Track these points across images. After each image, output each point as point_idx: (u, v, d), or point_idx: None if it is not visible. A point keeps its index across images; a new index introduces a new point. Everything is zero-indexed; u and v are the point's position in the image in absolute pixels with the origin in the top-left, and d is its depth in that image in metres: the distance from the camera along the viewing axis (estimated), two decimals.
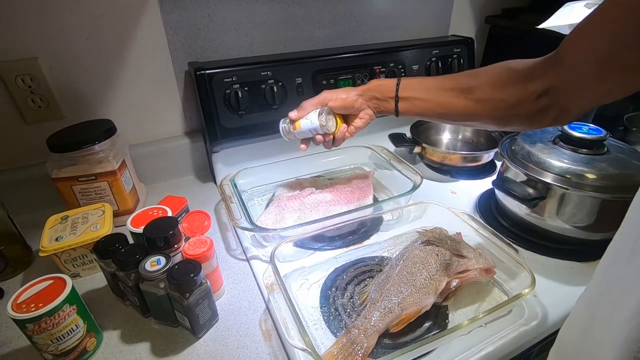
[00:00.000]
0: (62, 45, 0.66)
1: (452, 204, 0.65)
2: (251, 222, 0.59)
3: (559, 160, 0.58)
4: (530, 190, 0.59)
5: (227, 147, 0.78)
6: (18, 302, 0.41)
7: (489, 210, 0.71)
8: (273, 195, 0.74)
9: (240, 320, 0.51)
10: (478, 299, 0.53)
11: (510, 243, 0.55)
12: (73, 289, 0.43)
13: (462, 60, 0.93)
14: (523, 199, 0.58)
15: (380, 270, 0.56)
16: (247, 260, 0.61)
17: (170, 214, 0.57)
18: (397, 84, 0.57)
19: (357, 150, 0.84)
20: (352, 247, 0.63)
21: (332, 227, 0.59)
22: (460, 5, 1.01)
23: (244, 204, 0.63)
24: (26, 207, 0.69)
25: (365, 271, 0.57)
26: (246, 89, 0.72)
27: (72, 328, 0.43)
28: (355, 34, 0.90)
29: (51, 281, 0.44)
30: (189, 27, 0.73)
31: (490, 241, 0.57)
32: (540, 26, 0.77)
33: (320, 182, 0.76)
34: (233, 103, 0.71)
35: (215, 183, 0.81)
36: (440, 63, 0.91)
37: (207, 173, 0.86)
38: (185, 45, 0.74)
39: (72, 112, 0.71)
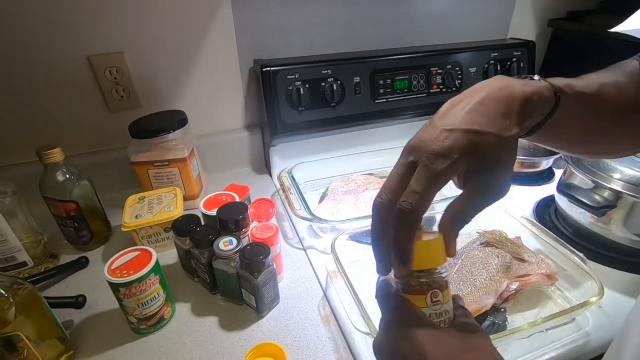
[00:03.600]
0: (144, 41, 0.72)
1: (507, 209, 0.64)
2: (310, 212, 0.62)
3: (630, 168, 0.56)
4: (599, 198, 0.57)
5: (284, 141, 0.81)
6: (112, 268, 0.46)
7: (548, 218, 0.69)
8: (326, 189, 0.76)
9: (300, 304, 0.54)
10: (538, 304, 0.52)
11: (576, 251, 0.53)
12: (157, 261, 0.48)
13: (522, 63, 0.91)
14: (591, 207, 0.56)
15: None
16: (304, 249, 0.64)
17: (237, 199, 0.61)
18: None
19: None
20: None
21: None
22: (521, 7, 0.98)
23: (302, 196, 0.66)
24: (104, 187, 0.76)
25: None
26: (307, 86, 0.75)
27: (154, 296, 0.48)
28: (412, 35, 0.91)
29: (138, 252, 0.49)
30: (257, 26, 0.77)
31: (553, 247, 0.56)
32: (614, 29, 0.73)
33: (373, 179, 0.77)
34: (294, 99, 0.74)
35: (270, 175, 0.85)
36: (499, 66, 0.89)
37: (262, 165, 0.90)
38: (252, 43, 0.78)
39: (148, 102, 0.77)
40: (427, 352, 0.26)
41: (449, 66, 0.87)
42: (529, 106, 0.30)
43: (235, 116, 0.86)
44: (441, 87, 0.87)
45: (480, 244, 0.55)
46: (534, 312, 0.51)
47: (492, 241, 0.55)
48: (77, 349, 0.48)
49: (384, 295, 0.31)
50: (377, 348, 0.31)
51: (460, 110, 0.29)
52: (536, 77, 0.33)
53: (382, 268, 0.30)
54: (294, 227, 0.68)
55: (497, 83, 0.30)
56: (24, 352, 0.39)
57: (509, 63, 0.91)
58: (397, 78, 0.83)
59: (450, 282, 0.50)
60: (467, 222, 0.29)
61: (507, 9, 0.98)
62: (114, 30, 0.69)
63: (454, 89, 0.88)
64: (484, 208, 0.29)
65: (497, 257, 0.52)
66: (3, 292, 0.38)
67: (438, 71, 0.86)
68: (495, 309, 0.50)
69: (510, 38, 1.00)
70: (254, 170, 0.89)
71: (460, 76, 0.88)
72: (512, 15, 0.99)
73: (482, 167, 0.28)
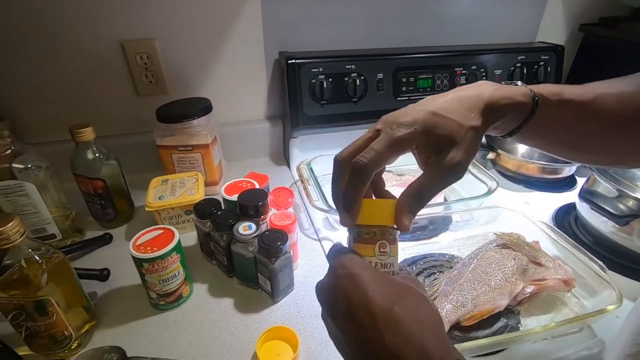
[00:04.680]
0: (174, 29, 0.74)
1: (526, 214, 0.63)
2: (327, 204, 0.63)
3: None
4: (622, 207, 0.56)
5: (304, 133, 0.82)
6: (137, 244, 0.48)
7: (567, 225, 0.68)
8: None
9: (313, 293, 0.54)
10: (553, 310, 0.52)
11: (596, 259, 0.53)
12: (179, 241, 0.50)
13: (549, 68, 0.89)
14: (614, 215, 0.55)
15: (451, 267, 0.57)
16: (319, 240, 0.64)
17: (257, 187, 0.62)
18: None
19: None
20: (420, 242, 0.64)
21: None
22: (552, 11, 0.96)
23: (320, 187, 0.67)
24: (129, 168, 0.78)
25: (434, 265, 0.58)
26: (330, 80, 0.76)
27: (175, 274, 0.50)
28: (438, 34, 0.90)
29: (161, 231, 0.51)
30: (285, 19, 0.78)
31: (572, 254, 0.55)
32: None
33: (391, 176, 0.77)
34: (317, 92, 0.75)
35: (289, 167, 0.86)
36: (525, 69, 0.88)
37: (280, 157, 0.91)
38: (278, 35, 0.79)
39: (174, 88, 0.79)
40: (369, 291, 0.27)
41: (473, 67, 0.86)
42: (495, 107, 0.33)
43: (258, 107, 0.87)
44: None
45: (497, 246, 0.55)
46: (549, 317, 0.51)
47: (510, 243, 0.54)
48: (100, 320, 0.50)
49: (334, 250, 0.33)
50: (320, 288, 0.32)
51: (434, 100, 0.33)
52: (519, 83, 0.36)
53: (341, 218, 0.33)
54: (310, 218, 0.69)
55: (475, 85, 0.34)
56: (53, 316, 0.42)
57: (535, 67, 0.89)
58: (420, 77, 0.83)
59: (465, 282, 0.50)
60: (424, 201, 0.31)
61: (537, 12, 0.96)
62: (147, 17, 0.71)
63: None
64: (441, 187, 0.31)
65: (514, 259, 0.52)
66: (37, 258, 0.41)
67: (462, 72, 0.85)
68: (509, 311, 0.50)
69: (539, 42, 0.98)
70: (273, 160, 0.90)
71: (484, 78, 0.87)
72: (541, 19, 0.97)
73: (440, 146, 0.31)
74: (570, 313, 0.52)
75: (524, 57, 0.89)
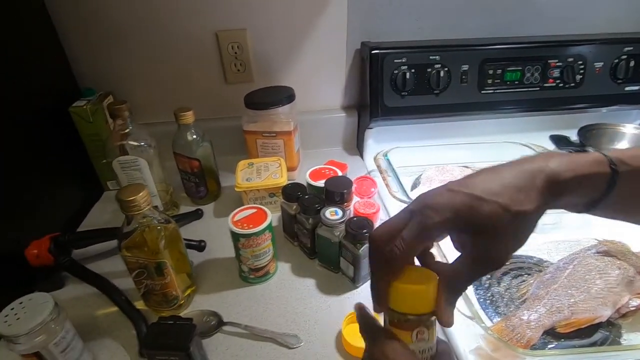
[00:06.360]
0: (263, 20, 0.77)
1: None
2: (407, 195, 0.63)
3: None
4: None
5: (381, 124, 0.82)
6: (234, 220, 0.52)
7: None
8: (419, 177, 0.76)
9: None
10: None
11: None
12: (271, 220, 0.53)
13: None
14: None
15: (540, 271, 0.54)
16: None
17: (340, 174, 0.64)
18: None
19: (510, 147, 0.80)
20: None
21: None
22: None
23: (398, 178, 0.67)
24: (215, 150, 0.84)
25: (521, 267, 0.56)
26: (413, 71, 0.75)
27: (265, 250, 0.53)
28: (531, 23, 0.84)
29: (255, 210, 0.54)
30: (369, 9, 0.78)
31: None
32: None
33: (469, 172, 0.75)
34: (399, 83, 0.75)
35: (362, 157, 0.87)
36: (632, 62, 0.79)
37: (353, 147, 0.92)
38: (362, 25, 0.79)
39: (259, 77, 0.83)
40: None
41: (570, 59, 0.79)
42: (559, 181, 0.27)
43: (334, 96, 0.89)
44: (558, 82, 0.80)
45: (597, 252, 0.51)
46: None
47: (614, 252, 0.50)
48: (197, 286, 0.55)
49: (369, 328, 0.31)
50: None
51: (480, 176, 0.29)
52: (591, 149, 0.30)
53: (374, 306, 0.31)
54: (386, 209, 0.70)
55: (536, 156, 0.29)
56: (167, 277, 0.47)
57: None
58: (508, 69, 0.78)
59: (560, 287, 0.48)
60: (461, 291, 0.28)
61: None
62: (241, 7, 0.75)
63: (572, 84, 0.80)
64: (477, 277, 0.28)
65: (619, 268, 0.48)
66: (157, 225, 0.46)
67: (557, 64, 0.79)
68: (609, 323, 0.47)
69: None
70: (345, 150, 0.91)
71: (582, 71, 0.80)
72: None
73: (477, 233, 0.27)
74: None
75: (631, 48, 0.80)
